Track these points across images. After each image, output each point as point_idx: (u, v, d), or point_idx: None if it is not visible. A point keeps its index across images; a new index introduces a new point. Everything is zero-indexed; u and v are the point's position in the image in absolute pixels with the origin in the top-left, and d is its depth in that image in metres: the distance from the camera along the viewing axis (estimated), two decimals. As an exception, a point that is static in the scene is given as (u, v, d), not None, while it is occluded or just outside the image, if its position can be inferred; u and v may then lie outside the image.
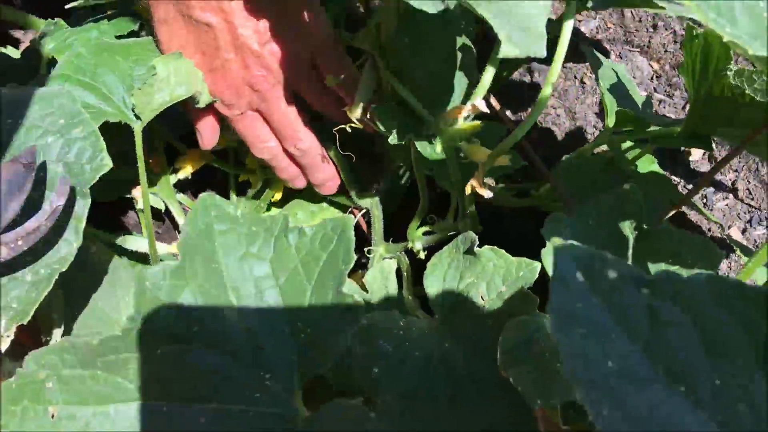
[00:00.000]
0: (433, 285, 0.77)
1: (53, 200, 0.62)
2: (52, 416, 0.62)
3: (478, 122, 0.74)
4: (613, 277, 0.39)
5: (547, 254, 0.73)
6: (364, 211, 1.05)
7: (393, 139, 0.75)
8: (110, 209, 1.09)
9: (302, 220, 1.08)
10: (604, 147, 1.03)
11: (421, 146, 0.75)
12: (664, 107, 1.33)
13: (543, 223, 0.75)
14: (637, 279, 0.39)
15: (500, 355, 0.65)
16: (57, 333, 0.81)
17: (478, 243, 0.75)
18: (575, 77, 1.36)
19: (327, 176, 0.92)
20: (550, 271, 0.74)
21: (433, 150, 0.76)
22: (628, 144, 1.03)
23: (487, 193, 0.73)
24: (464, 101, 0.79)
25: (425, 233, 0.98)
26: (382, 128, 0.76)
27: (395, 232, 1.04)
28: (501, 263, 0.73)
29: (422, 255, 0.97)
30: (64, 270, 0.64)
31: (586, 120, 1.32)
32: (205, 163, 1.05)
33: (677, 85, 1.34)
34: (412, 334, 0.74)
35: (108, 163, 0.65)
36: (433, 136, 0.78)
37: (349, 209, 1.06)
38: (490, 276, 0.74)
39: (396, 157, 0.91)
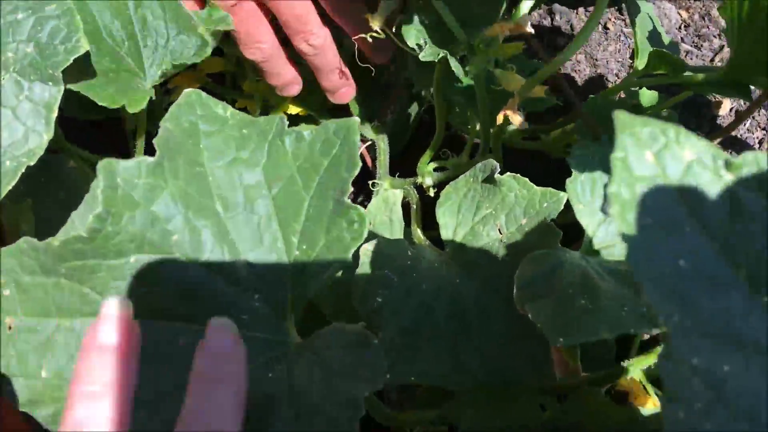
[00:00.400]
0: (445, 215, 0.70)
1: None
2: (9, 328, 0.54)
3: (520, 43, 0.65)
4: (689, 159, 0.31)
5: (574, 182, 0.66)
6: (368, 144, 0.97)
7: (425, 55, 0.66)
8: (95, 130, 1.01)
9: None
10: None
11: (455, 65, 0.67)
12: (691, 59, 1.24)
13: (549, 168, 0.67)
14: (718, 160, 0.31)
15: (517, 289, 0.58)
16: None
17: (499, 171, 0.67)
18: (599, 22, 1.27)
19: (342, 81, 0.78)
20: (574, 203, 0.67)
21: (466, 71, 0.67)
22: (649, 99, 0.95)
23: (521, 122, 0.65)
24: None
25: (436, 169, 0.90)
26: (410, 43, 0.68)
27: (400, 172, 0.97)
28: (523, 193, 0.65)
29: (432, 192, 0.89)
30: (31, 164, 0.56)
31: (608, 68, 1.24)
32: (199, 86, 0.97)
33: (706, 36, 1.25)
34: (420, 265, 0.66)
35: (84, 45, 0.56)
36: (466, 57, 0.69)
37: None
38: (511, 207, 0.66)
39: (419, 80, 0.83)
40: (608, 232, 0.64)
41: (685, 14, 1.29)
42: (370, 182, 0.93)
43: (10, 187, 0.55)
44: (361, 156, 1.01)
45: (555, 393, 0.61)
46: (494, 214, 0.67)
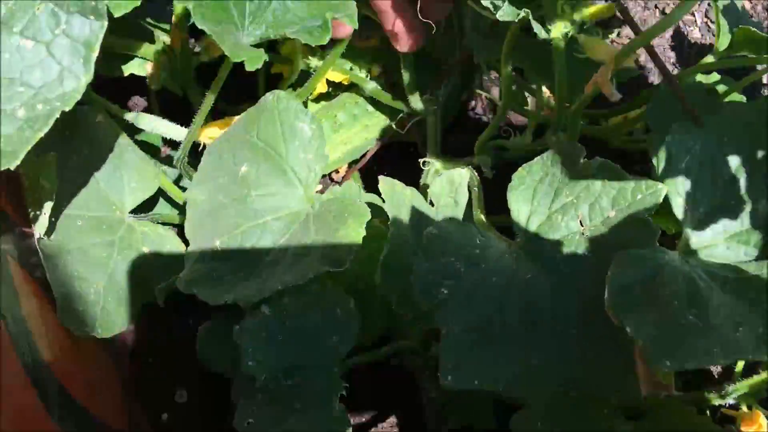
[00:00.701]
0: (518, 200, 0.62)
1: None
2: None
3: (611, 3, 0.57)
4: None
5: (671, 172, 0.58)
6: (416, 120, 0.89)
7: (504, 14, 0.58)
8: (115, 89, 0.92)
9: (343, 122, 0.92)
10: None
11: (537, 27, 0.59)
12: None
13: (607, 158, 0.60)
14: None
15: (609, 295, 0.51)
16: (47, 206, 0.66)
17: (584, 155, 0.60)
18: (656, 6, 1.19)
19: (408, 26, 0.70)
20: (673, 196, 0.59)
21: (549, 34, 0.59)
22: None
23: (614, 94, 0.57)
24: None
25: (495, 148, 0.82)
26: (484, 1, 0.60)
27: (447, 150, 0.89)
28: (612, 183, 0.58)
29: (489, 174, 0.82)
30: (66, 110, 0.49)
31: (665, 56, 1.15)
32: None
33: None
34: (490, 255, 0.59)
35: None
36: (547, 19, 0.61)
37: (399, 115, 0.90)
38: (596, 196, 0.59)
39: (480, 49, 0.75)
40: (714, 231, 0.57)
41: (748, 5, 1.20)
42: (420, 161, 0.86)
43: (41, 135, 0.48)
44: (408, 132, 0.94)
45: (635, 410, 0.54)
46: (575, 203, 0.59)
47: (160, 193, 0.82)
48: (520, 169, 0.64)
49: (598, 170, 0.59)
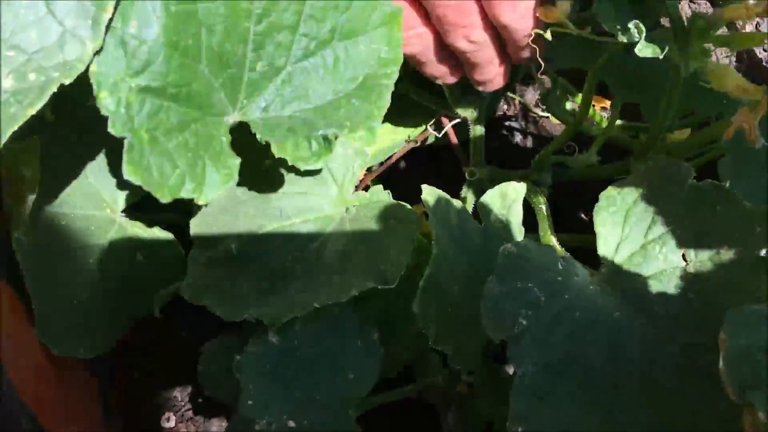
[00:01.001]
0: (605, 224, 0.53)
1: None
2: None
3: (763, 33, 0.49)
4: None
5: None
6: (456, 122, 0.79)
7: (642, 49, 0.49)
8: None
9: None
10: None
11: (680, 60, 0.50)
12: None
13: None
14: None
15: (726, 363, 0.41)
16: (30, 200, 0.56)
17: (693, 176, 0.51)
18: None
19: (497, 72, 0.64)
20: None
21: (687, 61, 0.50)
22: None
23: (759, 140, 0.48)
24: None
25: (555, 165, 0.73)
26: (607, 27, 0.51)
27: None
28: (728, 210, 0.49)
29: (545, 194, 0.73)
30: (66, 82, 0.40)
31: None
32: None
33: None
34: (573, 285, 0.50)
35: None
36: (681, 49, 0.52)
37: (434, 118, 0.80)
38: (706, 227, 0.50)
39: (562, 57, 0.66)
40: None
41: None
42: (465, 170, 0.76)
43: (33, 111, 0.39)
44: (445, 137, 0.84)
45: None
46: (678, 233, 0.50)
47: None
48: (609, 188, 0.55)
49: (709, 194, 0.50)
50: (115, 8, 0.42)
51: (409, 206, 0.59)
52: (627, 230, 0.53)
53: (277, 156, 0.50)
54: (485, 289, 0.47)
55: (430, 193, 0.55)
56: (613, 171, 0.72)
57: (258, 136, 0.49)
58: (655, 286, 0.50)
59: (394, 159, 0.83)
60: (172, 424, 0.73)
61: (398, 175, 0.88)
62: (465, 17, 0.56)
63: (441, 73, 0.64)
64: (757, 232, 0.48)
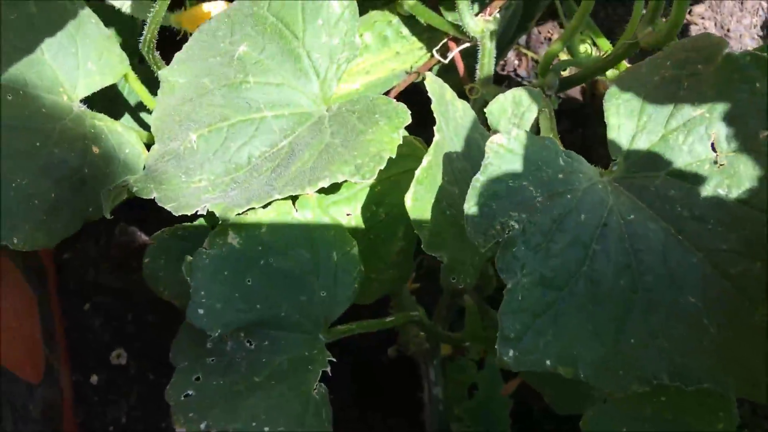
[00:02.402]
0: (618, 113, 0.44)
1: None
2: None
3: None
4: None
5: None
6: (465, 47, 0.69)
7: None
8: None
9: (369, 45, 0.72)
10: None
11: None
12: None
13: None
14: None
15: None
16: None
17: (727, 48, 0.41)
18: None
19: None
20: None
21: None
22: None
23: None
24: None
25: (564, 62, 0.64)
26: None
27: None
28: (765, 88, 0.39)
29: (554, 101, 0.63)
30: None
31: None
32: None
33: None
34: (577, 183, 0.41)
35: None
36: None
37: (444, 40, 0.70)
38: (743, 108, 0.40)
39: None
40: None
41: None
42: (466, 87, 0.66)
43: None
44: (452, 63, 0.74)
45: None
46: (708, 117, 0.41)
47: (126, 107, 0.65)
48: (621, 73, 0.46)
49: (746, 68, 0.40)
50: None
51: (396, 101, 0.50)
52: (644, 119, 0.43)
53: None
54: (470, 188, 0.39)
55: (434, 81, 0.46)
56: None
57: None
58: (678, 183, 0.41)
59: (394, 93, 0.73)
60: (123, 361, 0.65)
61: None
62: None
63: None
64: (808, 111, 0.38)
